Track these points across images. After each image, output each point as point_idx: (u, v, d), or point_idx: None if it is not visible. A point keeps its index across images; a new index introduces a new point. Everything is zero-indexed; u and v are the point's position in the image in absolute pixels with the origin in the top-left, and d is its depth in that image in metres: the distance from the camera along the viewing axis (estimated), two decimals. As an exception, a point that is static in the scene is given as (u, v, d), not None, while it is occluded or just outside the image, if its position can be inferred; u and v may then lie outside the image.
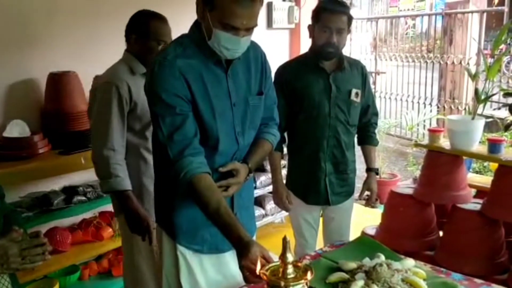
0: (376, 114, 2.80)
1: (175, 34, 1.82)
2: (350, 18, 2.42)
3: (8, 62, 2.97)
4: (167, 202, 1.90)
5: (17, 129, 2.91)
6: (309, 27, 2.51)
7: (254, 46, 1.88)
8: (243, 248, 1.51)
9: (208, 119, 1.73)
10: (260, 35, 2.25)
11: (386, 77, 6.90)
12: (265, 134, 1.96)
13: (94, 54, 3.31)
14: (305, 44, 4.60)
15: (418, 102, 6.36)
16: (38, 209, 2.89)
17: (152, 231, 2.23)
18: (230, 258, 1.92)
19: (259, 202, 4.24)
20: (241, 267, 1.51)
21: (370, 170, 2.78)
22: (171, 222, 1.88)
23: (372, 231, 3.41)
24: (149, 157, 2.24)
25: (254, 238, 2.07)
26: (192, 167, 1.66)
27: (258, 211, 4.16)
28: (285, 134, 2.65)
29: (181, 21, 2.05)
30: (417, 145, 3.41)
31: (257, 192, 4.06)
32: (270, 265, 1.49)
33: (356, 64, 2.64)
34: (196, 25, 1.76)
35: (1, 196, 1.60)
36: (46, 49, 3.11)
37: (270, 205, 4.27)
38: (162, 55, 1.72)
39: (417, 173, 5.40)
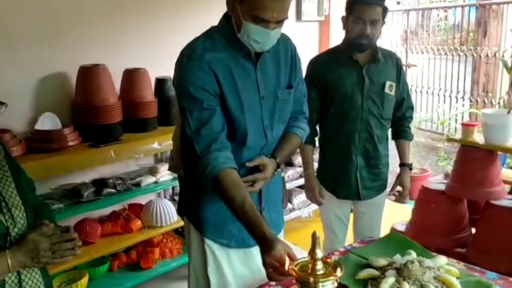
0: (411, 107, 2.73)
1: (202, 28, 1.80)
2: (385, 9, 2.36)
3: (39, 57, 3.00)
4: (195, 196, 1.90)
5: (48, 121, 2.95)
6: (343, 18, 2.47)
7: (284, 39, 1.85)
8: (267, 245, 1.49)
9: (236, 112, 1.72)
10: (289, 27, 2.20)
11: (417, 70, 6.77)
12: (294, 128, 1.93)
13: (123, 47, 3.34)
14: (334, 37, 4.53)
15: (450, 96, 6.21)
16: (69, 201, 2.93)
17: None
18: (257, 253, 1.89)
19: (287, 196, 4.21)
20: (265, 264, 1.49)
21: (404, 165, 2.72)
22: (198, 216, 1.89)
23: (401, 227, 3.36)
24: None
25: (282, 233, 2.06)
26: (218, 162, 1.64)
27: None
28: (317, 127, 2.61)
29: (210, 15, 2.03)
30: (449, 139, 3.33)
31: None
32: (299, 260, 1.47)
33: (390, 56, 2.58)
34: (225, 18, 1.74)
35: (32, 189, 1.62)
36: (76, 43, 3.14)
37: (298, 199, 4.25)
38: (191, 48, 1.71)
39: (449, 168, 5.30)
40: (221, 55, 1.70)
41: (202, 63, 1.66)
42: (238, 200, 1.61)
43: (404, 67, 2.65)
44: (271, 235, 1.52)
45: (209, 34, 1.75)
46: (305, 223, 4.38)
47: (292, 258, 1.46)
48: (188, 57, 1.69)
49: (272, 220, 1.91)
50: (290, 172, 4.13)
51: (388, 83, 2.50)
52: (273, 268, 1.45)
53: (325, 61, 2.54)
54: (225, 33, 1.71)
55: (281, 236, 2.04)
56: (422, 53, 6.64)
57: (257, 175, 1.77)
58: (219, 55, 1.69)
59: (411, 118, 2.75)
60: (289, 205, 4.20)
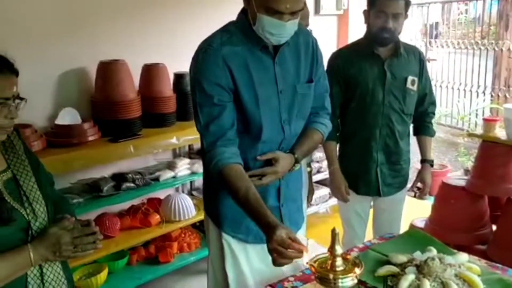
0: (433, 103, 2.69)
1: (220, 23, 1.80)
2: (407, 3, 2.33)
3: (60, 52, 3.03)
4: (213, 191, 1.91)
5: (68, 116, 2.98)
6: (364, 12, 2.45)
7: (305, 32, 1.84)
8: (269, 232, 1.49)
9: (251, 107, 1.72)
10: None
11: (436, 65, 6.69)
12: (315, 124, 1.91)
13: (142, 42, 3.35)
14: (353, 31, 4.49)
15: (471, 91, 6.13)
16: (88, 195, 2.96)
17: None
18: None
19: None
20: (270, 251, 1.48)
21: (425, 161, 2.68)
22: (216, 211, 1.89)
23: (421, 224, 3.33)
24: None
25: (302, 230, 2.05)
26: (223, 157, 1.65)
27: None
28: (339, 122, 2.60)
29: (229, 10, 2.02)
30: (470, 135, 3.29)
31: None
32: (319, 257, 1.46)
33: (413, 50, 2.55)
34: (243, 12, 1.74)
35: (51, 183, 1.64)
36: (95, 38, 3.16)
37: (315, 195, 4.22)
38: (208, 42, 1.71)
39: (469, 164, 5.23)
40: (238, 49, 1.70)
41: (217, 57, 1.67)
42: (242, 190, 1.60)
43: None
44: (274, 222, 1.51)
45: (227, 28, 1.76)
46: (322, 218, 4.36)
47: (293, 240, 1.44)
48: (204, 52, 1.70)
49: (291, 217, 1.92)
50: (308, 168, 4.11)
51: (410, 78, 2.46)
52: (277, 253, 1.44)
53: (346, 55, 2.52)
54: (242, 27, 1.71)
55: (301, 232, 2.02)
56: (442, 47, 6.55)
57: (266, 169, 1.75)
58: (235, 49, 1.69)
59: (433, 113, 2.71)
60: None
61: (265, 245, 1.87)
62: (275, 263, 1.49)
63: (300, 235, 1.49)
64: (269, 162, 1.78)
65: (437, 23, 7.88)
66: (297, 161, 1.83)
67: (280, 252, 1.43)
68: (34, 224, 1.43)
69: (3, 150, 1.47)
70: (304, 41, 1.83)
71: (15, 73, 1.40)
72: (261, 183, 1.74)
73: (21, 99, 1.41)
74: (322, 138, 1.94)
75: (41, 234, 1.40)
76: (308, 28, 2.38)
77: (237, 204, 1.64)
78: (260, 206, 1.57)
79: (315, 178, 4.11)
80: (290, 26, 1.64)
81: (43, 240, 1.38)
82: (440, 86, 6.54)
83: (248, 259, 1.90)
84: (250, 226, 1.85)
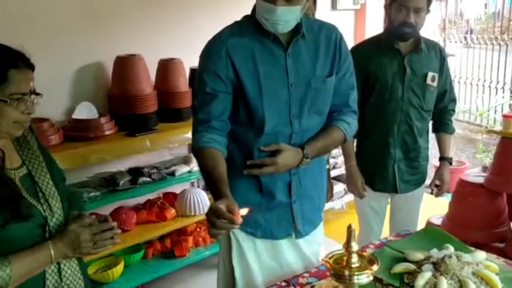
0: (454, 100, 2.65)
1: (237, 18, 1.79)
2: None
3: (77, 47, 3.05)
4: None
5: (85, 111, 3.00)
6: (385, 6, 2.43)
7: (328, 27, 1.82)
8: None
9: (254, 98, 1.71)
10: (324, 16, 2.17)
11: (455, 60, 6.60)
12: (336, 121, 1.84)
13: (158, 37, 3.36)
14: (370, 26, 4.46)
15: (490, 87, 6.04)
16: (105, 189, 2.98)
17: None
18: (286, 247, 1.90)
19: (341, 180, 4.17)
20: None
21: (444, 159, 2.65)
22: None
23: (438, 221, 3.30)
24: None
25: (321, 229, 2.02)
26: (201, 140, 1.68)
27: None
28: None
29: (245, 4, 2.01)
30: (490, 131, 3.25)
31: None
32: (334, 253, 1.45)
33: (434, 46, 2.51)
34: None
35: (63, 178, 1.64)
36: (112, 33, 3.17)
37: (331, 191, 4.21)
38: (218, 33, 1.75)
39: (487, 161, 5.17)
40: (246, 41, 1.71)
41: (221, 49, 1.69)
42: (209, 167, 1.62)
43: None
44: (224, 194, 1.52)
45: (240, 21, 1.78)
46: (338, 215, 4.35)
47: (231, 212, 1.41)
48: (211, 43, 1.73)
49: (305, 215, 1.89)
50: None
51: (430, 74, 2.43)
52: (209, 222, 1.43)
53: (366, 50, 2.49)
54: (253, 19, 1.72)
55: (318, 232, 1.99)
56: (461, 42, 6.47)
57: (265, 159, 1.72)
58: (243, 40, 1.71)
59: (453, 111, 2.67)
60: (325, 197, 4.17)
61: (275, 242, 1.88)
62: (209, 232, 1.49)
63: (244, 209, 1.46)
64: (274, 154, 1.74)
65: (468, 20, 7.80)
66: (306, 156, 1.76)
67: (212, 222, 1.42)
68: (51, 220, 1.44)
69: (18, 146, 1.48)
70: (326, 37, 1.80)
71: (31, 68, 1.41)
72: (260, 173, 1.72)
73: (37, 94, 1.42)
74: (344, 136, 1.85)
75: (61, 232, 1.41)
76: None
77: (205, 181, 1.66)
78: (219, 182, 1.58)
79: (331, 174, 4.09)
80: (284, 12, 1.62)
81: (63, 238, 1.39)
82: (459, 81, 6.46)
83: (257, 254, 1.88)
84: (259, 220, 1.85)
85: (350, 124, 1.87)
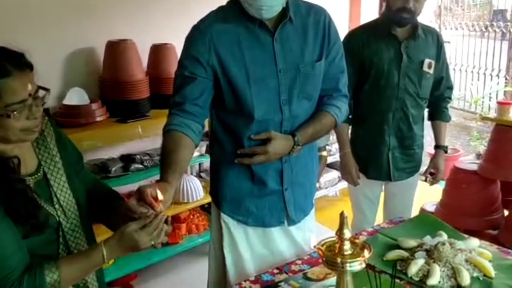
0: (450, 87, 2.63)
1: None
2: None
3: (68, 31, 3.00)
4: (214, 171, 1.90)
5: (76, 97, 2.96)
6: None
7: (316, 10, 1.78)
8: None
9: (242, 85, 1.67)
10: (318, 0, 2.14)
11: (450, 47, 6.59)
12: (326, 106, 1.81)
13: (150, 22, 3.31)
14: (366, 11, 4.42)
15: (484, 74, 6.04)
16: (97, 175, 2.94)
17: None
18: (277, 234, 1.89)
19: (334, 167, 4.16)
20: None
21: (439, 147, 2.63)
22: (216, 191, 1.88)
23: (431, 208, 3.30)
24: None
25: (312, 215, 2.00)
26: (171, 123, 1.65)
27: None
28: (352, 104, 2.54)
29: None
30: (484, 118, 3.24)
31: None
32: (326, 240, 1.44)
33: (431, 32, 2.48)
34: None
35: (81, 167, 1.57)
36: (103, 18, 3.12)
37: (324, 178, 4.20)
38: (202, 19, 1.72)
39: (481, 148, 5.17)
40: (230, 26, 1.67)
41: (204, 35, 1.66)
42: (165, 151, 1.59)
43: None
44: (166, 180, 1.48)
45: (225, 5, 1.74)
46: (332, 202, 4.34)
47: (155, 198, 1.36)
48: (194, 28, 1.70)
49: (297, 202, 1.87)
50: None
51: (427, 61, 2.40)
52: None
53: (361, 36, 2.45)
54: (238, 4, 1.67)
55: (310, 219, 1.98)
56: (456, 29, 6.45)
57: (255, 148, 1.70)
58: (228, 26, 1.67)
59: (450, 98, 2.65)
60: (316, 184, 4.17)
61: (267, 230, 1.87)
62: None
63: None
64: (265, 142, 1.71)
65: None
66: (297, 144, 1.74)
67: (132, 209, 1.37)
68: (65, 225, 1.41)
69: (35, 142, 1.42)
70: (314, 20, 1.76)
71: (28, 67, 1.28)
72: (251, 162, 1.70)
73: (45, 89, 1.34)
74: (335, 121, 1.83)
75: (118, 234, 1.34)
76: None
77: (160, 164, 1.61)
78: (167, 166, 1.53)
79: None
80: None
81: (120, 241, 1.33)
82: (453, 69, 6.44)
83: (249, 242, 1.87)
84: (250, 208, 1.83)
85: (340, 109, 1.84)
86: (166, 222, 1.37)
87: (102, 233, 1.61)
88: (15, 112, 1.23)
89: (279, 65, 1.70)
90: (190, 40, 1.70)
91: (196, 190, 3.38)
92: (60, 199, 1.40)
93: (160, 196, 1.35)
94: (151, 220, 1.32)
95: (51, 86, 3.11)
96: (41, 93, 1.33)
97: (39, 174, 1.39)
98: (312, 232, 1.99)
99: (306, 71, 1.73)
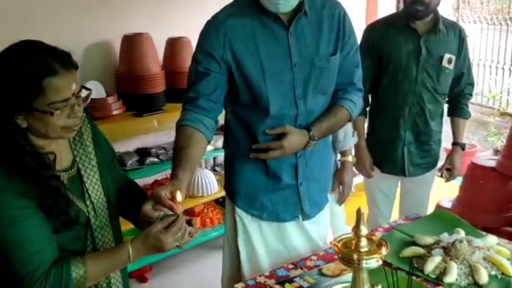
0: (471, 84, 2.58)
1: None
2: None
3: (84, 25, 3.02)
4: (229, 165, 1.90)
5: (92, 90, 2.96)
6: None
7: (331, 3, 1.76)
8: None
9: (257, 79, 1.67)
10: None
11: (468, 41, 6.50)
12: (341, 101, 1.80)
13: (166, 16, 3.31)
14: (383, 7, 4.37)
15: (503, 68, 5.93)
16: (113, 169, 2.97)
17: None
18: (292, 229, 1.88)
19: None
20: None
21: (457, 144, 2.60)
22: (231, 185, 1.88)
23: (448, 204, 3.26)
24: None
25: (326, 210, 1.99)
26: (185, 118, 1.65)
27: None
28: (369, 97, 2.52)
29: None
30: (503, 113, 3.21)
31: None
32: (342, 236, 1.43)
33: (453, 27, 2.44)
34: None
35: (114, 166, 1.58)
36: (120, 11, 3.13)
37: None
38: (217, 12, 1.71)
39: (498, 144, 5.10)
40: (246, 21, 1.66)
41: (219, 30, 1.65)
42: (178, 147, 1.59)
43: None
44: (175, 176, 1.48)
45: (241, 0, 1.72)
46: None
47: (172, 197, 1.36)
48: (208, 23, 1.69)
49: (311, 197, 1.86)
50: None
51: (447, 56, 2.36)
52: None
53: (381, 28, 2.43)
54: None
55: (325, 214, 1.97)
56: (475, 23, 6.35)
57: (270, 143, 1.69)
58: (243, 20, 1.66)
59: (470, 95, 2.61)
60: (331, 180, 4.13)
61: (281, 224, 1.86)
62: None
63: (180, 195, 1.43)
64: (280, 137, 1.70)
65: None
66: (312, 138, 1.73)
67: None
68: (94, 222, 1.43)
69: (71, 139, 1.43)
70: (329, 14, 1.74)
71: (73, 67, 1.29)
72: (266, 157, 1.70)
73: (87, 89, 1.35)
74: (349, 115, 1.82)
75: (145, 235, 1.35)
76: None
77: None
78: (179, 163, 1.53)
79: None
80: None
81: (145, 242, 1.34)
82: (472, 63, 6.36)
83: (263, 237, 1.87)
84: (265, 202, 1.83)
85: (355, 103, 1.82)
86: (191, 223, 1.38)
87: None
88: (58, 111, 1.25)
89: (294, 59, 1.69)
90: (205, 35, 1.69)
91: (210, 184, 3.38)
92: (91, 196, 1.42)
93: (179, 198, 1.36)
94: (174, 222, 1.33)
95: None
96: (83, 92, 1.35)
97: (73, 170, 1.41)
98: (327, 228, 1.99)
99: (321, 65, 1.72)
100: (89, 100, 1.37)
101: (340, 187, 2.34)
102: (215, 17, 1.70)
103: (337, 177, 2.34)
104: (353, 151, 2.41)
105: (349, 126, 2.25)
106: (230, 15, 1.67)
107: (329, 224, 2.01)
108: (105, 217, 1.45)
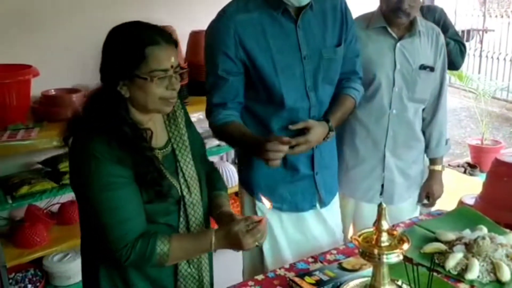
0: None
1: None
2: None
3: (109, 19, 2.98)
4: (245, 160, 1.91)
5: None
6: None
7: None
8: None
9: (270, 74, 1.69)
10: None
11: (494, 36, 6.38)
12: (346, 89, 1.85)
13: (190, 9, 3.32)
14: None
15: (530, 64, 5.84)
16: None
17: None
18: (310, 218, 1.92)
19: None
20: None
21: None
22: (250, 179, 1.89)
23: (470, 201, 3.22)
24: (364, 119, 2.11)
25: (337, 197, 2.04)
26: (219, 118, 1.71)
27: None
28: None
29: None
30: (528, 110, 3.13)
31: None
32: (363, 231, 1.43)
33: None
34: None
35: (202, 154, 1.64)
36: (143, 4, 3.15)
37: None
38: (223, 9, 1.71)
39: (524, 140, 5.02)
40: (254, 16, 1.66)
41: (229, 26, 1.65)
42: (238, 135, 1.67)
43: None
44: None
45: None
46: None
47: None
48: (217, 19, 1.70)
49: (326, 185, 1.91)
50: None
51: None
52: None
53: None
54: None
55: (336, 200, 2.03)
56: (501, 17, 6.24)
57: (299, 139, 1.69)
58: (251, 16, 1.66)
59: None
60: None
61: (300, 215, 1.90)
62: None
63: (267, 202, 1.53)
64: (301, 132, 1.72)
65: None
66: (331, 129, 1.77)
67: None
68: (188, 199, 1.48)
69: (167, 121, 1.51)
70: (332, 6, 1.78)
71: (173, 43, 1.39)
72: (293, 152, 1.70)
73: (182, 69, 1.42)
74: (355, 103, 1.88)
75: (227, 229, 1.40)
76: None
77: (237, 146, 1.75)
78: (255, 137, 1.65)
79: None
80: None
81: (226, 237, 1.40)
82: (497, 58, 6.25)
83: (284, 229, 1.89)
84: (284, 194, 1.86)
85: (359, 91, 1.89)
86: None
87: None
88: (157, 79, 1.33)
89: (303, 52, 1.72)
90: (216, 32, 1.69)
91: (231, 177, 3.40)
92: (185, 173, 1.49)
93: (268, 205, 1.41)
94: (258, 224, 1.39)
95: (94, 70, 3.17)
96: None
97: (167, 148, 1.48)
98: (339, 214, 2.05)
99: (329, 56, 1.76)
100: (185, 77, 1.44)
101: (428, 197, 2.28)
102: (221, 13, 1.70)
103: (425, 187, 2.27)
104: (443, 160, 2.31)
105: (442, 134, 2.21)
106: (237, 11, 1.67)
107: (339, 208, 2.07)
108: (197, 195, 1.51)
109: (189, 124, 1.57)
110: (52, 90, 2.76)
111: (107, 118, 1.34)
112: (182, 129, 1.52)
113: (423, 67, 2.07)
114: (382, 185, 2.17)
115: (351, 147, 2.16)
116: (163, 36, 1.36)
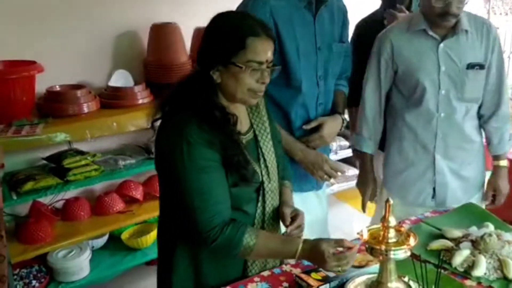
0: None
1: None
2: None
3: (113, 14, 3.04)
4: None
5: (121, 79, 3.01)
6: None
7: None
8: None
9: (293, 59, 1.81)
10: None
11: (499, 33, 6.36)
12: (341, 87, 2.07)
13: (194, 5, 3.31)
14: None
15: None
16: (141, 156, 2.99)
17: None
18: (314, 195, 2.09)
19: (352, 162, 4.11)
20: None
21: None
22: None
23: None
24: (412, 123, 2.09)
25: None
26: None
27: (352, 171, 4.04)
28: None
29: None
30: (535, 108, 3.11)
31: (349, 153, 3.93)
32: (370, 227, 1.43)
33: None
34: None
35: (278, 141, 1.65)
36: (149, 0, 3.15)
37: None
38: None
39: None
40: (283, 4, 1.80)
41: (265, 9, 1.76)
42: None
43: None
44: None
45: None
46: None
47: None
48: (254, 0, 1.77)
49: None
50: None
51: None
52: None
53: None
54: None
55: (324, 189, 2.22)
56: (507, 14, 6.22)
57: (313, 136, 1.90)
58: (281, 3, 1.79)
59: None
60: (355, 171, 4.10)
61: (304, 194, 2.00)
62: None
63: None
64: (315, 129, 1.91)
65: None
66: (344, 120, 2.00)
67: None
68: (267, 185, 1.51)
69: (249, 108, 1.54)
70: (338, 5, 1.98)
71: (272, 38, 1.41)
72: (311, 147, 1.89)
73: (274, 65, 1.43)
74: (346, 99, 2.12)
75: (313, 244, 1.42)
76: None
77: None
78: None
79: (347, 153, 4.00)
80: None
81: (311, 252, 1.41)
82: (508, 57, 6.21)
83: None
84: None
85: (348, 88, 2.13)
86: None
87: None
88: (251, 69, 1.37)
89: (318, 43, 1.88)
90: (253, 11, 1.70)
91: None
92: (266, 160, 1.51)
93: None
94: (346, 250, 1.40)
95: (98, 66, 3.21)
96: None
97: (249, 134, 1.51)
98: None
99: (337, 51, 1.96)
100: (276, 74, 1.47)
101: (493, 194, 2.23)
102: None
103: (490, 184, 2.21)
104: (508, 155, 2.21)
105: (505, 129, 2.13)
106: None
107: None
108: (275, 182, 1.54)
109: (269, 114, 1.61)
110: (57, 86, 2.77)
111: (199, 101, 1.37)
112: (263, 117, 1.56)
113: (471, 66, 1.99)
114: (434, 189, 2.13)
115: (400, 151, 2.14)
116: (264, 29, 1.39)
